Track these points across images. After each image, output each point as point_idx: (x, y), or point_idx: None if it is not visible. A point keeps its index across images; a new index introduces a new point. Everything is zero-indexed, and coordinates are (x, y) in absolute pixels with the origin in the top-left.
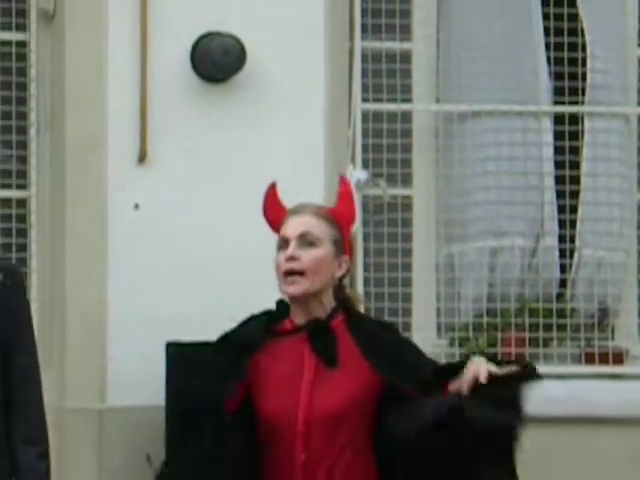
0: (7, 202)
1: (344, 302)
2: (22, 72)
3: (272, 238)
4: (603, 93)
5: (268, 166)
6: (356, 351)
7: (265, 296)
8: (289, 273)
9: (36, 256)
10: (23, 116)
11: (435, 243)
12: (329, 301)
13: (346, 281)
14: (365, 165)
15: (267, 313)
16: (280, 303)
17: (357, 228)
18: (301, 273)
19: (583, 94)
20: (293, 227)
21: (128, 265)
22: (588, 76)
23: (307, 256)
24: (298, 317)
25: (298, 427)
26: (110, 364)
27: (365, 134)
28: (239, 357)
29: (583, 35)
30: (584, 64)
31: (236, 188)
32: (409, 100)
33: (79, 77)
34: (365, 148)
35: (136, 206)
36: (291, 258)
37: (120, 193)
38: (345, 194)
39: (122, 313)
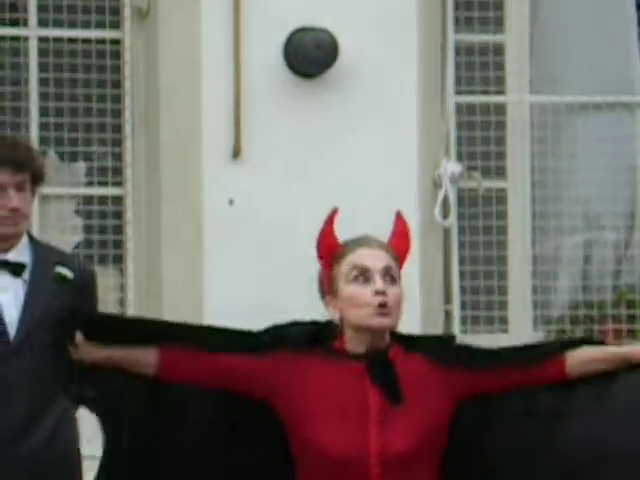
0: (103, 199)
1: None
2: (116, 70)
3: (367, 231)
4: None
5: (362, 160)
6: (423, 375)
7: None
8: (383, 306)
9: (132, 253)
10: (118, 114)
11: (530, 235)
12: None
13: None
14: (459, 158)
15: (314, 323)
16: (329, 323)
17: (452, 221)
18: (390, 309)
19: None
20: (372, 259)
21: (224, 260)
22: None
23: (391, 292)
24: (355, 345)
25: (372, 470)
26: None
27: (459, 127)
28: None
29: None
30: None
31: (329, 183)
32: (502, 92)
33: (173, 74)
34: (459, 141)
35: (231, 202)
36: (382, 292)
37: (215, 189)
38: (401, 232)
39: (218, 308)
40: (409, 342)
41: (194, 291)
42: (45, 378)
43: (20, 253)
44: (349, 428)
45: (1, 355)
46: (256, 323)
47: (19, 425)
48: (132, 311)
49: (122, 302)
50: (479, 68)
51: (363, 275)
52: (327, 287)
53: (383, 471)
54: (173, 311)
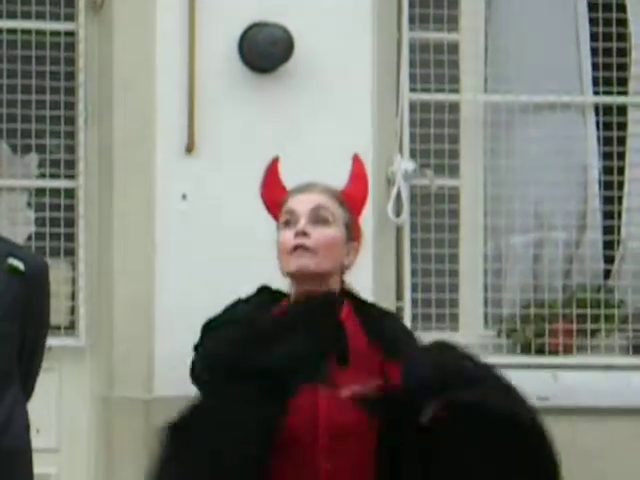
0: (56, 192)
1: (348, 291)
2: (70, 62)
3: None
4: None
5: (316, 157)
6: (365, 341)
7: None
8: (300, 247)
9: (84, 246)
10: (71, 106)
11: (482, 234)
12: (335, 288)
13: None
14: (412, 155)
15: (261, 290)
16: (264, 289)
17: (404, 219)
18: (311, 250)
19: (626, 84)
20: (303, 202)
21: (176, 255)
22: (632, 67)
23: (318, 234)
24: (296, 299)
25: (320, 442)
26: (157, 354)
27: (413, 124)
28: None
29: (627, 25)
30: (625, 54)
31: (284, 178)
32: (457, 90)
33: (127, 67)
34: (413, 138)
35: (184, 196)
36: (302, 233)
37: (168, 183)
38: (358, 175)
39: (169, 303)
40: (363, 310)
41: (145, 285)
42: None
43: None
44: (301, 404)
45: None
46: (207, 316)
47: None
48: (83, 306)
49: (73, 295)
50: (434, 66)
51: (291, 219)
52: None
53: (329, 442)
54: (124, 306)
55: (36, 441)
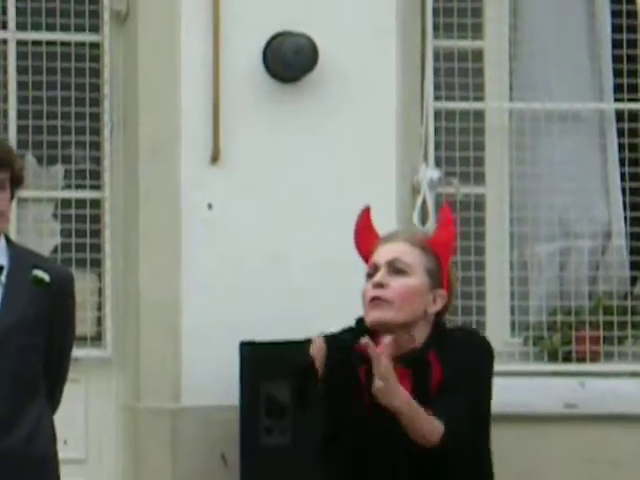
0: (81, 203)
1: (438, 338)
2: (96, 73)
3: (344, 237)
4: None
5: (340, 165)
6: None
7: (339, 297)
8: (376, 299)
9: (110, 257)
10: (97, 117)
11: (508, 241)
12: (420, 337)
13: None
14: (438, 163)
15: (349, 331)
16: (360, 321)
17: (430, 227)
18: (387, 301)
19: None
20: (384, 253)
21: (201, 265)
22: None
23: (396, 284)
24: (390, 349)
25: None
26: (184, 364)
27: (437, 132)
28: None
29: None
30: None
31: (308, 188)
32: (481, 98)
33: (152, 78)
34: (438, 146)
35: (209, 206)
36: (379, 285)
37: (193, 193)
38: (446, 222)
39: (196, 313)
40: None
41: (172, 295)
42: (23, 380)
43: None
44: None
45: None
46: (233, 328)
47: None
48: (109, 317)
49: (99, 306)
50: (458, 74)
51: (372, 271)
52: None
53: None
54: (150, 315)
55: (63, 452)
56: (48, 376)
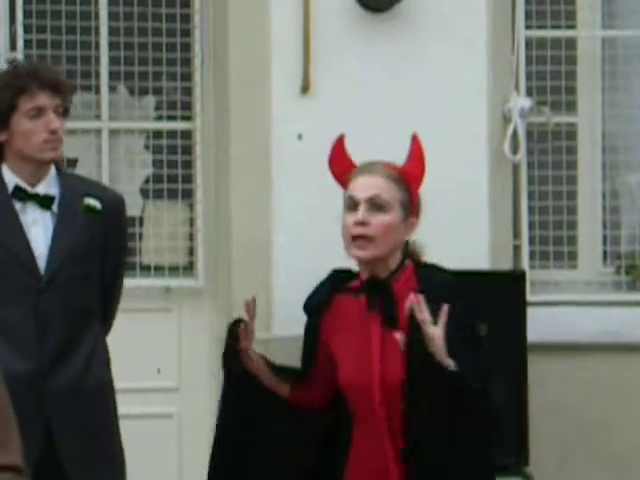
0: (173, 134)
1: (411, 256)
2: (186, 3)
3: (434, 166)
4: None
5: (431, 95)
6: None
7: (428, 224)
8: (358, 237)
9: (202, 187)
10: (187, 48)
11: (600, 170)
12: (394, 261)
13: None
14: (529, 93)
15: (334, 274)
16: (337, 273)
17: (521, 156)
18: (370, 238)
19: None
20: (363, 188)
21: (292, 196)
22: None
23: (376, 221)
24: (364, 277)
25: (376, 396)
26: (275, 294)
27: (529, 62)
28: (310, 322)
29: None
30: None
31: (398, 117)
32: (573, 27)
33: (242, 8)
34: (529, 75)
35: (299, 137)
36: (361, 223)
37: (283, 124)
38: (416, 154)
39: (287, 244)
40: (424, 277)
41: (263, 225)
42: (76, 310)
43: (48, 185)
44: (359, 360)
45: (32, 289)
46: (324, 257)
47: (52, 359)
48: (201, 247)
49: (191, 236)
50: (550, 2)
51: (352, 204)
52: None
53: (384, 396)
54: (242, 246)
55: (157, 381)
56: (102, 299)
